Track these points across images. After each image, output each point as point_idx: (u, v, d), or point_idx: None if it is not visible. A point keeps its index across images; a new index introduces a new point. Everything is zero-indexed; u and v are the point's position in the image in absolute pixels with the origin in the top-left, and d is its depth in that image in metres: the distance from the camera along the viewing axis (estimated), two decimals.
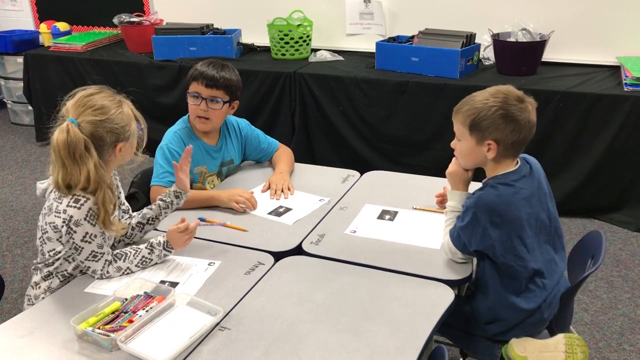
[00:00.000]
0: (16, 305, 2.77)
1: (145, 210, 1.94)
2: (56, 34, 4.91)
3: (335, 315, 1.58)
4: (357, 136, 3.89)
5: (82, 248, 1.68)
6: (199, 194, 2.19)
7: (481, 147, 1.71)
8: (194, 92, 2.28)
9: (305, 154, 4.03)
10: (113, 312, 1.56)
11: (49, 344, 1.49)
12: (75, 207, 1.65)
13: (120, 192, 1.93)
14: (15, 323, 1.58)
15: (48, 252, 1.75)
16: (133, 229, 1.93)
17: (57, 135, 1.63)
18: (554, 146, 3.46)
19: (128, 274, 1.77)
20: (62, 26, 4.98)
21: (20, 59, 4.87)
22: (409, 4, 4.14)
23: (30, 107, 4.99)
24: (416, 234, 1.96)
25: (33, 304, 1.75)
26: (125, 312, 1.57)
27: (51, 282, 1.77)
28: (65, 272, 1.77)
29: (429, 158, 3.78)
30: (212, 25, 4.43)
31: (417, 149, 3.79)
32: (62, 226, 1.66)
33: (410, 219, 2.06)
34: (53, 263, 1.76)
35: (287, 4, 4.31)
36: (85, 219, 1.66)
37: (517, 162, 1.75)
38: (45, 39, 4.97)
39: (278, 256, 1.86)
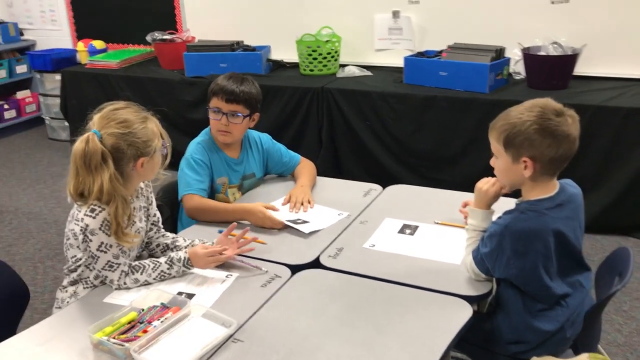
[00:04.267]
0: (45, 316, 2.81)
1: (176, 240, 2.00)
2: (92, 52, 5.05)
3: (349, 329, 1.56)
4: (384, 151, 3.88)
5: (98, 257, 1.71)
6: (229, 206, 2.22)
7: (517, 165, 1.64)
8: (214, 107, 2.32)
9: (333, 169, 4.03)
10: (129, 322, 1.58)
11: (65, 352, 1.51)
12: (91, 216, 1.68)
13: (151, 203, 1.96)
14: (35, 331, 1.61)
15: (71, 258, 1.79)
16: (158, 245, 1.96)
17: (77, 144, 1.68)
18: (586, 161, 3.38)
19: (146, 285, 1.78)
20: (98, 44, 5.11)
21: (58, 77, 5.01)
22: (438, 18, 4.13)
23: (66, 123, 5.12)
24: (436, 248, 1.93)
25: (60, 307, 1.81)
26: (141, 323, 1.58)
27: (77, 288, 1.81)
28: (88, 280, 1.80)
29: (457, 173, 3.73)
30: (243, 42, 4.49)
31: (445, 164, 3.75)
32: (80, 234, 1.70)
33: (431, 234, 2.03)
34: (76, 269, 1.80)
35: (316, 20, 4.34)
36: (100, 228, 1.69)
37: (557, 186, 1.68)
38: (82, 57, 5.11)
39: (295, 269, 1.86)
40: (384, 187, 2.44)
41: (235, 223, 1.96)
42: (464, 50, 3.74)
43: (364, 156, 3.94)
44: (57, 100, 5.06)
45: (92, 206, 1.69)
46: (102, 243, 1.70)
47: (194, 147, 2.35)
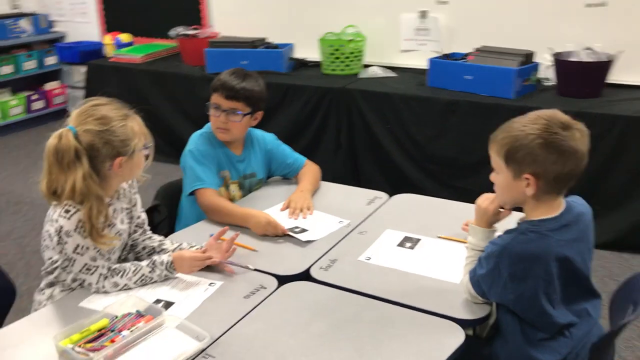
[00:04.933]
0: None
1: (163, 243, 1.92)
2: (119, 45, 5.04)
3: (330, 350, 1.45)
4: (404, 155, 3.74)
5: (75, 260, 1.64)
6: (236, 210, 2.11)
7: (519, 181, 1.50)
8: (214, 103, 2.23)
9: (350, 172, 3.91)
10: (99, 330, 1.50)
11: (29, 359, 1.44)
12: (65, 217, 1.62)
13: (135, 205, 1.89)
14: (2, 334, 1.55)
15: (48, 260, 1.73)
16: (144, 248, 1.89)
17: (50, 140, 1.61)
18: (616, 175, 3.19)
19: (126, 290, 1.71)
20: (125, 37, 5.11)
21: (84, 69, 5.02)
22: (467, 20, 3.97)
23: None
24: (435, 265, 1.81)
25: (36, 310, 1.74)
26: (112, 331, 1.50)
27: (53, 290, 1.75)
28: (65, 282, 1.73)
29: (478, 182, 3.53)
30: (266, 39, 4.41)
31: (467, 172, 3.59)
32: (55, 235, 1.63)
33: (432, 249, 1.91)
34: (52, 272, 1.73)
35: (342, 19, 4.22)
36: (75, 230, 1.62)
37: (563, 205, 1.54)
38: (109, 50, 5.10)
39: (283, 280, 1.76)
40: (387, 194, 2.32)
41: (227, 227, 1.87)
42: (491, 54, 3.58)
43: (383, 160, 3.81)
44: (83, 93, 5.07)
45: (66, 207, 1.62)
46: (78, 245, 1.63)
47: (197, 139, 2.27)
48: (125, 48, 4.96)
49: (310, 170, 2.40)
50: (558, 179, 1.47)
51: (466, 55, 3.74)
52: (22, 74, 5.52)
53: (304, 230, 2.03)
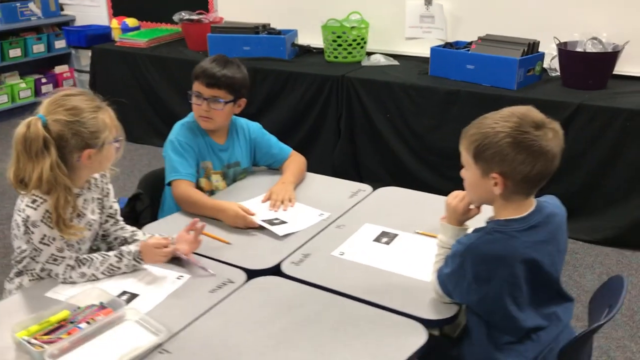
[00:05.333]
0: None
1: (135, 234, 1.90)
2: (125, 30, 5.03)
3: (287, 349, 1.43)
4: (403, 146, 3.68)
5: (42, 250, 1.64)
6: (207, 202, 2.10)
7: (486, 180, 1.45)
8: (195, 91, 2.21)
9: (350, 162, 3.87)
10: (59, 322, 1.50)
11: None
12: (32, 207, 1.61)
13: (107, 195, 1.88)
14: None
15: (16, 249, 1.73)
16: (116, 239, 1.89)
17: (19, 128, 1.60)
18: (617, 170, 3.10)
19: (93, 280, 1.70)
20: (131, 22, 5.09)
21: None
22: (473, 7, 3.88)
23: None
24: (409, 262, 1.77)
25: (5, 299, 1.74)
26: (72, 322, 1.50)
27: (22, 280, 1.75)
28: (34, 272, 1.73)
29: None
30: (269, 25, 4.36)
31: None
32: (22, 225, 1.63)
33: (408, 245, 1.87)
34: (21, 261, 1.73)
35: (346, 5, 4.16)
36: (42, 220, 1.61)
37: (532, 205, 1.49)
38: (116, 34, 5.09)
39: (253, 274, 1.73)
40: (400, 185, 2.31)
41: (197, 219, 1.85)
42: (494, 43, 3.49)
43: (382, 150, 3.76)
44: (89, 77, 5.08)
45: (33, 196, 1.61)
46: (44, 236, 1.62)
47: (178, 129, 2.25)
48: (131, 33, 4.95)
49: (295, 161, 2.37)
50: (526, 179, 1.42)
51: (469, 44, 3.66)
52: (31, 57, 5.54)
53: (283, 223, 2.01)
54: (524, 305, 1.47)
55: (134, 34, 4.91)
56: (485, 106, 3.28)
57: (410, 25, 4.12)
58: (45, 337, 1.43)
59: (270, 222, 2.00)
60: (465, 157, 1.50)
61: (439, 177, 3.59)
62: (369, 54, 4.13)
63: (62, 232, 1.63)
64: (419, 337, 1.46)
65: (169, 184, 2.15)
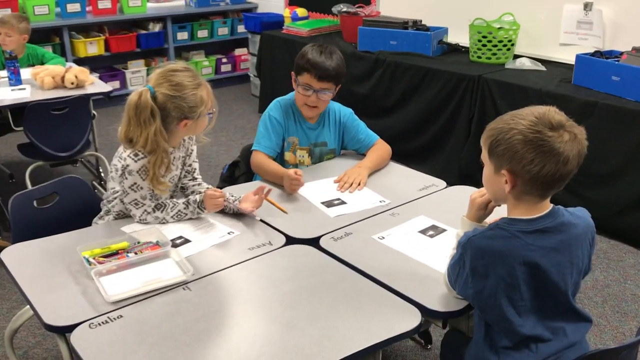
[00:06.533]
0: None
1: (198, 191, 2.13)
2: (294, 19, 5.41)
3: (286, 307, 1.56)
4: None
5: (128, 193, 1.94)
6: (273, 169, 2.30)
7: (499, 176, 1.44)
8: (305, 83, 2.33)
9: (476, 164, 3.77)
10: (119, 250, 1.78)
11: (61, 264, 1.74)
12: (133, 159, 1.91)
13: (190, 154, 2.13)
14: (48, 242, 1.87)
15: (110, 189, 2.05)
16: (193, 192, 2.14)
17: (132, 96, 1.89)
18: None
19: (164, 223, 1.97)
20: (300, 12, 5.46)
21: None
22: (636, 13, 3.56)
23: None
24: (442, 256, 1.77)
25: None
26: (127, 252, 1.77)
27: (109, 218, 2.07)
28: (119, 213, 2.04)
29: (609, 194, 3.25)
30: (420, 21, 4.41)
31: (598, 182, 3.29)
32: (119, 170, 1.93)
33: (451, 241, 1.87)
34: (111, 201, 2.05)
35: (501, 6, 4.07)
36: (137, 171, 1.90)
37: (546, 210, 1.44)
38: (286, 23, 5.50)
39: (293, 242, 1.88)
40: (445, 182, 2.31)
41: (264, 185, 2.05)
42: None
43: None
44: (256, 60, 5.55)
45: (136, 151, 1.91)
46: (135, 183, 1.92)
47: (274, 105, 2.45)
48: (298, 22, 5.31)
49: (378, 148, 2.45)
50: (535, 179, 1.37)
51: (621, 54, 3.39)
52: (216, 38, 6.20)
53: (342, 203, 2.12)
54: (524, 311, 1.42)
55: (300, 23, 5.26)
56: (624, 121, 3.11)
57: (565, 30, 3.91)
58: (102, 259, 1.72)
59: (330, 202, 2.12)
60: (483, 152, 1.49)
61: (566, 193, 3.35)
62: (517, 56, 3.99)
63: (154, 187, 1.92)
64: (411, 322, 1.49)
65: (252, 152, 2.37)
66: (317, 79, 2.31)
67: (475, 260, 1.42)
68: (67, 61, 5.06)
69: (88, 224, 2.05)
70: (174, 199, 2.03)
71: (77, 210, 2.13)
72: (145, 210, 1.96)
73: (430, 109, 4.01)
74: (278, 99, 2.49)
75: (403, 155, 4.01)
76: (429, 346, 2.44)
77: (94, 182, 3.94)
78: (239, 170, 2.57)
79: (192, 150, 2.14)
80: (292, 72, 2.42)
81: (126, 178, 1.93)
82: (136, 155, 1.92)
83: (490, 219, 1.59)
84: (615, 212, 3.25)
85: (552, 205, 1.46)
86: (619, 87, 3.24)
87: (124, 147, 1.97)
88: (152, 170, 1.91)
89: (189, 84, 1.91)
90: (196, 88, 1.92)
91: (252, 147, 2.41)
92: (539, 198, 1.42)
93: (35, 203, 2.08)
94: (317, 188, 2.23)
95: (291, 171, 2.17)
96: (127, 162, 1.92)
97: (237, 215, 2.03)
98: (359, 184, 2.23)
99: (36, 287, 1.63)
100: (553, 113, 1.39)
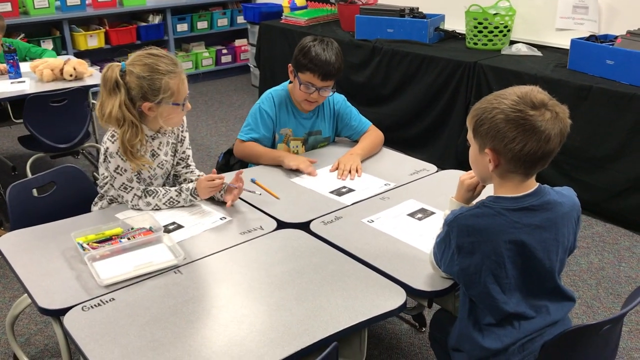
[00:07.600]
0: None
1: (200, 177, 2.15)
2: (293, 8, 5.42)
3: (274, 288, 1.59)
4: None
5: (115, 178, 1.98)
6: (269, 152, 2.35)
7: (483, 156, 1.47)
8: (308, 82, 2.32)
9: None
10: (112, 235, 1.82)
11: (57, 250, 1.78)
12: (110, 140, 1.95)
13: (182, 142, 2.16)
14: (44, 229, 1.92)
15: (100, 175, 2.09)
16: (185, 180, 2.18)
17: (104, 70, 1.93)
18: None
19: (157, 209, 2.01)
20: (299, 1, 5.47)
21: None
22: None
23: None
24: (429, 238, 1.81)
25: None
26: (121, 238, 1.81)
27: (102, 203, 2.11)
28: (112, 197, 2.08)
29: (605, 178, 3.27)
30: (417, 8, 4.42)
31: (593, 165, 3.30)
32: (102, 155, 1.97)
33: (439, 223, 1.89)
34: (103, 187, 2.09)
35: None
36: (117, 152, 1.94)
37: (531, 188, 1.46)
38: (285, 12, 5.51)
39: (284, 226, 1.91)
40: (436, 167, 2.34)
41: (242, 170, 2.11)
42: None
43: None
44: (255, 50, 5.57)
45: (112, 132, 1.95)
46: (118, 166, 1.96)
47: (266, 98, 2.46)
48: (297, 11, 5.33)
49: (370, 135, 2.47)
50: (518, 158, 1.40)
51: (616, 38, 3.39)
52: (215, 29, 6.23)
53: (350, 190, 2.14)
54: (509, 289, 1.45)
55: (297, 12, 5.27)
56: (618, 105, 3.13)
57: (561, 15, 3.92)
58: (96, 245, 1.76)
59: (338, 191, 2.15)
60: (469, 132, 1.52)
61: (563, 177, 3.41)
62: (513, 42, 4.00)
63: (130, 161, 1.95)
64: (396, 300, 1.53)
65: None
66: (320, 78, 2.31)
67: (461, 237, 1.45)
68: (67, 54, 5.10)
69: (86, 211, 2.09)
70: (166, 187, 2.06)
71: (74, 199, 2.18)
72: (136, 195, 1.99)
73: (428, 96, 4.03)
74: (270, 90, 2.50)
75: (401, 142, 4.05)
76: (423, 329, 2.48)
77: (95, 174, 3.98)
78: (234, 158, 2.60)
79: (184, 137, 2.17)
80: (290, 65, 2.42)
81: (109, 162, 1.97)
82: (112, 136, 1.96)
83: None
84: (610, 195, 3.26)
85: (538, 184, 1.48)
86: (613, 71, 3.25)
87: (108, 130, 2.00)
88: (122, 145, 1.92)
89: (160, 69, 1.91)
90: (165, 74, 1.91)
91: (238, 136, 2.43)
92: (523, 176, 1.45)
93: (35, 192, 2.13)
94: (317, 178, 2.25)
95: (300, 162, 2.24)
96: (107, 144, 1.96)
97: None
98: (357, 170, 2.25)
99: (32, 273, 1.67)
100: (535, 92, 1.41)
